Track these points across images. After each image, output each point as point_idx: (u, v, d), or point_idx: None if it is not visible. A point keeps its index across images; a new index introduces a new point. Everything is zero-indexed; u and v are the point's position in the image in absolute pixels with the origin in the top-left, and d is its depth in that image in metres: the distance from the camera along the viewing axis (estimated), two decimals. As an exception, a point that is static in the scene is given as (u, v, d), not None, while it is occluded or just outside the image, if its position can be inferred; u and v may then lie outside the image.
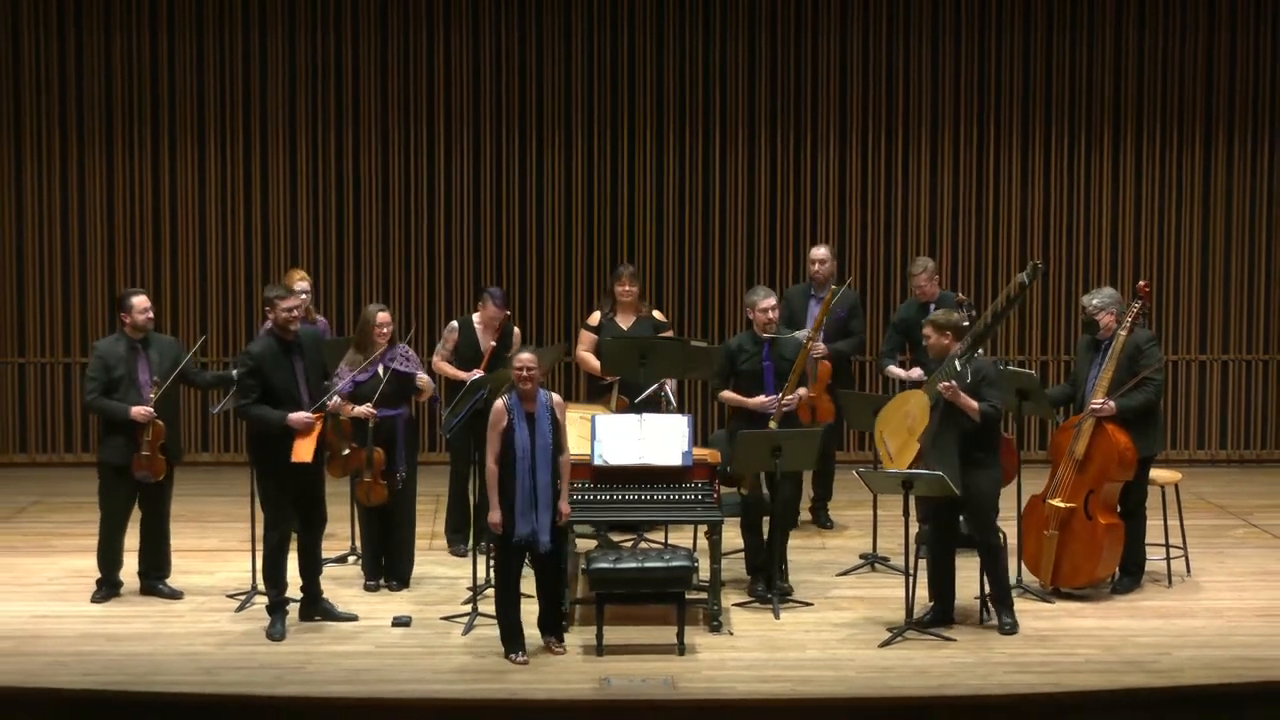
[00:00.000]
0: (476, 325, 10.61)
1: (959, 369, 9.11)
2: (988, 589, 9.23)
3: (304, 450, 9.08)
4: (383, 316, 9.86)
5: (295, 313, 9.21)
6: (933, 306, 10.98)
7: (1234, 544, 11.15)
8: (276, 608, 9.10)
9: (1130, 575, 9.88)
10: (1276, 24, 13.44)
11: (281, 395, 9.09)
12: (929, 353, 9.42)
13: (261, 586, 9.56)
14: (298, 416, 9.04)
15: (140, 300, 9.58)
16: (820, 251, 11.38)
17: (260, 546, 9.25)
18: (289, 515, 9.21)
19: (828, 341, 10.88)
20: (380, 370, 9.80)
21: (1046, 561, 9.75)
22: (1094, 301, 9.82)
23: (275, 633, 9.03)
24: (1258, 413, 13.76)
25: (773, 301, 9.82)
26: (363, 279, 13.40)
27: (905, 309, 11.24)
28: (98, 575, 9.74)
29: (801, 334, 10.07)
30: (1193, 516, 10.74)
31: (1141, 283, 9.94)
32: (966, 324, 9.72)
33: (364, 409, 9.69)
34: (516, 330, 10.91)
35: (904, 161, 13.55)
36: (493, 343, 10.53)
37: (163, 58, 13.31)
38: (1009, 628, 9.09)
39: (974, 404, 9.02)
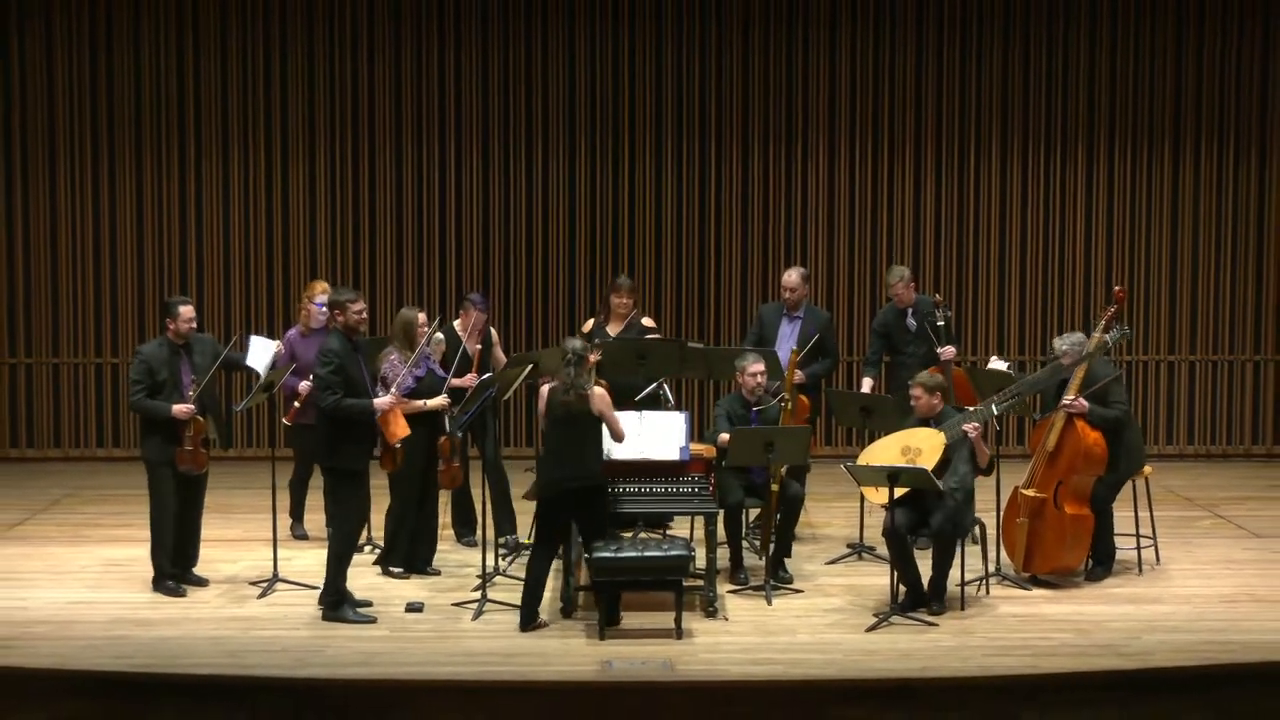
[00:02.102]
0: (459, 332, 10.59)
1: (995, 412, 9.44)
2: (930, 575, 9.27)
3: (401, 430, 9.30)
4: (423, 317, 9.91)
5: (364, 315, 9.33)
6: (910, 311, 10.97)
7: (1201, 534, 11.17)
8: (344, 604, 9.11)
9: (1102, 565, 9.90)
10: (1240, 49, 13.48)
11: (359, 390, 9.18)
12: (916, 410, 9.52)
13: (283, 574, 9.65)
14: (382, 401, 9.19)
15: (187, 309, 9.53)
16: (793, 278, 11.00)
17: (286, 536, 9.26)
18: (365, 514, 9.36)
19: (802, 365, 10.73)
20: (429, 369, 9.89)
21: (1019, 547, 9.80)
22: (1063, 347, 9.87)
23: (362, 618, 9.06)
24: (1223, 410, 13.78)
25: (761, 367, 9.91)
26: (378, 284, 13.43)
27: (884, 314, 11.21)
28: (152, 571, 9.63)
29: (779, 393, 10.12)
30: (1162, 508, 10.77)
31: (1118, 288, 10.00)
32: (942, 375, 9.88)
33: (441, 400, 9.73)
34: (494, 330, 10.93)
35: (889, 174, 13.58)
36: (477, 345, 10.52)
37: (189, 75, 13.34)
38: (938, 610, 9.14)
39: (986, 451, 9.31)
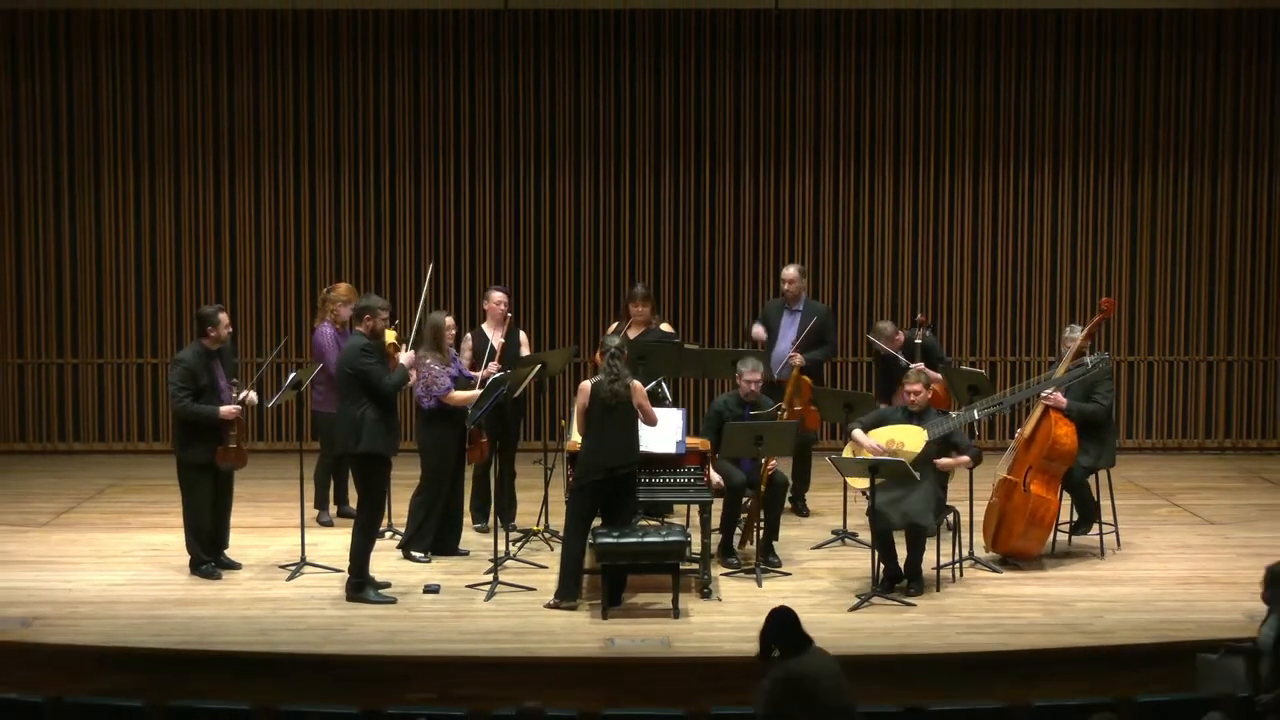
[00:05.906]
0: (485, 328, 10.52)
1: (976, 416, 9.49)
2: (903, 558, 9.25)
3: None
4: (450, 320, 9.87)
5: (388, 322, 9.32)
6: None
7: (1159, 521, 11.13)
8: (366, 586, 9.06)
9: (1086, 522, 9.94)
10: (1194, 76, 13.44)
11: None
12: (913, 405, 9.43)
13: (310, 559, 9.61)
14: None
15: (224, 317, 9.48)
16: (790, 271, 11.14)
17: (312, 523, 9.21)
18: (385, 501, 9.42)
19: (802, 350, 10.75)
20: (459, 371, 9.88)
21: (990, 526, 9.78)
22: (1079, 333, 9.94)
23: (382, 598, 9.04)
24: (1179, 407, 13.75)
25: (758, 376, 9.82)
26: (398, 291, 13.38)
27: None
28: (189, 558, 9.58)
29: (773, 406, 10.01)
30: (1123, 497, 10.74)
31: (1105, 299, 9.99)
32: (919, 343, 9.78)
33: (468, 394, 9.68)
34: (523, 333, 10.88)
35: (870, 189, 13.54)
36: (501, 339, 10.46)
37: (224, 98, 13.30)
38: (915, 591, 9.11)
39: (947, 460, 9.33)
